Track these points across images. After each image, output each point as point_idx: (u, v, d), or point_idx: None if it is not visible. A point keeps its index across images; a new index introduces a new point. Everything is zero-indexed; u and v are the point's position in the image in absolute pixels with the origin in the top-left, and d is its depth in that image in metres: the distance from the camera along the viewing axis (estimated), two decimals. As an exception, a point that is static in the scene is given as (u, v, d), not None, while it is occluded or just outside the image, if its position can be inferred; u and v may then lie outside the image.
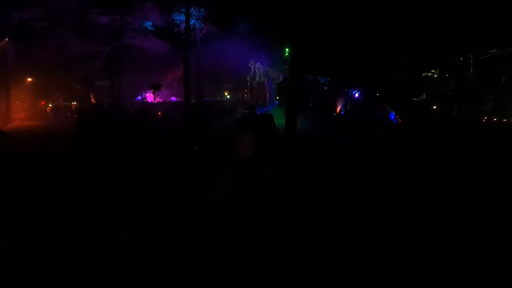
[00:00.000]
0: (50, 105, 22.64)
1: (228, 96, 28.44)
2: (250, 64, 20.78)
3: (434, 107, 16.71)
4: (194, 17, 14.79)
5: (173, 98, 27.40)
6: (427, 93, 17.08)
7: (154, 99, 18.74)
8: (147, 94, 28.01)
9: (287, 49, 19.03)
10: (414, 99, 17.22)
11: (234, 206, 4.61)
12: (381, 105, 15.96)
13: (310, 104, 17.13)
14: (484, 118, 14.79)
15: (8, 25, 14.29)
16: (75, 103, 23.46)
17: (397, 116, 14.97)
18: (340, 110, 17.27)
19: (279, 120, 14.41)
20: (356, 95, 17.88)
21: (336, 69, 17.40)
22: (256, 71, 20.89)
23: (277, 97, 20.15)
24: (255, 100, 20.24)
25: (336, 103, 17.21)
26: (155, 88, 9.56)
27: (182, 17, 15.28)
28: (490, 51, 14.58)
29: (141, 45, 18.07)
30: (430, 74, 16.75)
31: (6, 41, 17.22)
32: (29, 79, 22.67)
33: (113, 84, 18.65)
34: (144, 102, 25.05)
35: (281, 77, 19.72)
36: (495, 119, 14.62)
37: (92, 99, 23.12)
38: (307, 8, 10.09)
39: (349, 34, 14.35)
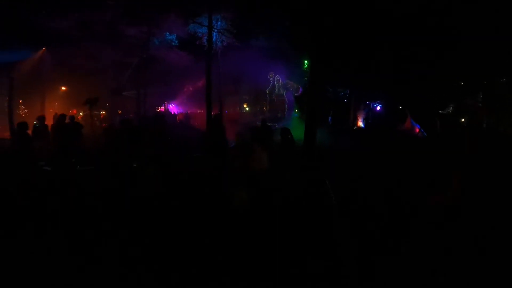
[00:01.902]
0: (81, 114, 23.68)
1: (247, 109, 28.76)
2: (270, 77, 20.96)
3: (463, 119, 15.93)
4: (215, 30, 15.21)
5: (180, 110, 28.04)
6: (454, 105, 16.36)
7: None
8: (170, 106, 28.99)
9: (306, 61, 19.04)
10: (440, 111, 16.52)
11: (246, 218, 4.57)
12: (405, 118, 15.42)
13: (330, 119, 16.86)
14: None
15: (45, 34, 14.82)
16: (103, 112, 24.55)
17: (422, 130, 14.38)
18: (361, 123, 16.85)
19: (298, 132, 14.33)
20: (378, 107, 17.41)
21: (357, 80, 17.16)
22: (276, 83, 21.02)
23: (296, 110, 20.07)
24: (274, 113, 20.32)
25: (356, 116, 16.84)
26: (91, 102, 9.08)
27: (204, 30, 15.77)
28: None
29: (165, 57, 18.59)
30: (456, 84, 16.05)
31: (43, 50, 17.98)
32: (63, 88, 23.86)
33: (139, 95, 19.29)
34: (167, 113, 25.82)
35: (300, 89, 19.68)
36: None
37: (119, 112, 24.15)
38: (327, 19, 10.06)
39: (371, 45, 14.15)
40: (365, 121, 16.60)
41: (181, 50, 18.12)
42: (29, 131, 7.74)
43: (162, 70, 20.17)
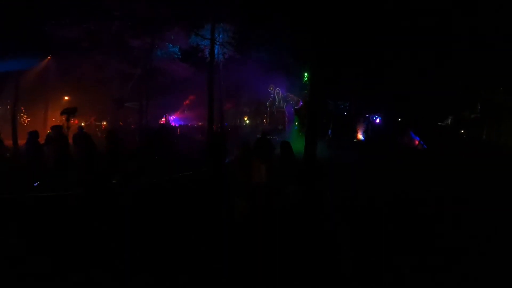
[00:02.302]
0: (82, 124, 23.91)
1: (247, 121, 28.90)
2: (270, 89, 21.12)
3: (462, 131, 16.00)
4: (217, 43, 15.47)
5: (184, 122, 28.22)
6: (453, 117, 16.47)
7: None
8: (171, 117, 29.20)
9: (306, 74, 19.21)
10: (440, 123, 16.62)
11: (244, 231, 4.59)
12: (405, 131, 15.52)
13: (330, 132, 16.93)
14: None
15: (51, 43, 14.89)
16: (104, 123, 24.65)
17: (422, 142, 14.44)
18: (361, 136, 16.92)
19: (298, 146, 14.37)
20: (377, 120, 17.52)
21: (357, 93, 17.33)
22: (276, 96, 21.18)
23: (296, 123, 20.17)
24: (274, 126, 20.40)
25: (356, 128, 16.93)
26: (69, 112, 8.79)
27: (207, 42, 15.92)
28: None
29: (167, 68, 18.77)
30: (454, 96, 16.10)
31: (48, 59, 18.25)
32: (66, 98, 23.77)
33: (141, 106, 19.39)
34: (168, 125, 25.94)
35: (300, 102, 19.84)
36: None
37: (120, 123, 24.29)
38: (328, 31, 10.23)
39: (371, 57, 14.36)
40: (364, 133, 16.68)
41: (183, 62, 18.25)
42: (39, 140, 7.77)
43: (165, 81, 20.40)
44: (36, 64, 17.62)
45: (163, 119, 27.80)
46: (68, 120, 8.90)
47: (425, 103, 14.93)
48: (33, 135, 7.48)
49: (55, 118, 24.01)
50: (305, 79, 19.50)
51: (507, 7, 10.78)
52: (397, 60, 14.11)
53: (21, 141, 13.68)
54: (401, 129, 15.98)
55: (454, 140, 14.35)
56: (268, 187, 5.46)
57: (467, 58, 13.08)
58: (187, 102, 29.10)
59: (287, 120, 20.64)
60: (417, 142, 14.68)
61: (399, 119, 17.19)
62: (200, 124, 25.65)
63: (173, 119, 29.92)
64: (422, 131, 14.75)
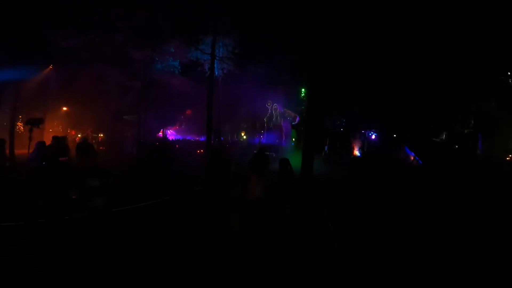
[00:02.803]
0: (79, 136, 23.44)
1: (244, 137, 29.03)
2: (267, 105, 21.36)
3: (456, 146, 16.17)
4: (217, 58, 15.73)
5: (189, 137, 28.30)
6: (447, 133, 16.70)
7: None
8: (168, 131, 29.21)
9: (303, 90, 19.48)
10: (434, 139, 16.82)
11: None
12: (400, 147, 15.72)
13: (326, 148, 17.09)
14: (508, 156, 14.05)
15: (53, 52, 14.88)
16: (101, 135, 24.50)
17: (417, 158, 14.61)
18: (357, 152, 17.10)
19: (295, 161, 14.44)
20: (373, 136, 17.77)
21: (353, 109, 17.58)
22: (273, 112, 21.39)
23: (293, 139, 20.32)
24: (271, 141, 20.53)
25: (352, 145, 17.12)
26: (33, 123, 8.83)
27: (207, 57, 15.99)
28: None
29: (167, 82, 18.85)
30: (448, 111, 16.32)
31: (50, 68, 18.01)
32: (65, 108, 23.65)
33: (139, 119, 19.43)
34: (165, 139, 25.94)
35: (297, 118, 20.04)
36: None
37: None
38: (324, 50, 10.51)
39: (367, 75, 14.67)
40: (361, 150, 16.86)
41: (182, 76, 18.45)
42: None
43: (163, 95, 20.42)
44: (37, 73, 17.57)
45: (160, 133, 27.85)
46: (31, 130, 8.87)
47: (419, 119, 15.21)
48: (42, 144, 7.57)
49: (51, 129, 23.85)
50: (302, 95, 19.73)
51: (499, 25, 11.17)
52: (392, 77, 14.39)
53: (18, 150, 13.57)
54: (396, 145, 16.19)
55: (448, 155, 14.53)
56: (264, 206, 5.49)
57: (459, 74, 13.31)
58: (184, 115, 29.25)
59: (284, 136, 20.78)
60: (412, 158, 14.86)
61: (394, 135, 17.42)
62: (197, 139, 25.72)
63: (170, 133, 29.95)
64: (417, 146, 14.96)
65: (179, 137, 28.69)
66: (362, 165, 14.83)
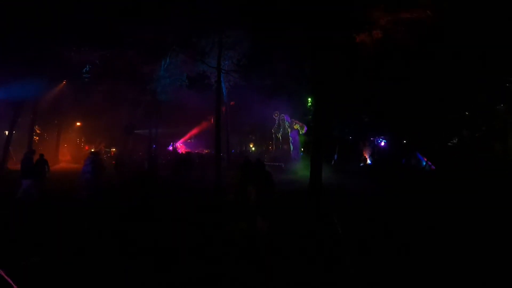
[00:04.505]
0: (92, 150, 24.39)
1: (253, 148, 29.03)
2: (275, 116, 21.34)
3: (470, 149, 15.68)
4: (223, 71, 15.95)
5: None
6: (459, 137, 16.27)
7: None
8: (177, 145, 29.59)
9: (310, 99, 19.49)
10: (449, 143, 16.41)
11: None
12: (411, 152, 15.41)
13: (336, 157, 16.91)
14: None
15: (66, 68, 15.59)
16: (114, 149, 25.08)
17: (429, 163, 14.27)
18: (366, 160, 16.81)
19: (305, 172, 14.35)
20: (382, 143, 17.46)
21: (361, 116, 17.40)
22: (281, 122, 21.36)
23: (302, 149, 20.19)
24: (280, 152, 20.43)
25: (362, 152, 16.88)
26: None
27: (213, 70, 16.26)
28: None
29: (175, 95, 19.17)
30: (456, 116, 15.95)
31: (64, 84, 18.77)
32: (78, 124, 24.68)
33: (150, 133, 19.91)
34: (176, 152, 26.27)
35: (305, 128, 19.98)
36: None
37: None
38: (329, 58, 10.51)
39: (374, 80, 14.54)
40: (371, 157, 16.56)
41: (189, 89, 18.63)
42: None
43: (172, 108, 20.85)
44: (51, 89, 18.31)
45: (170, 147, 28.27)
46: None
47: (429, 124, 14.92)
48: (96, 154, 9.27)
49: (66, 144, 24.50)
50: (309, 104, 19.73)
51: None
52: (399, 82, 14.20)
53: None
54: (408, 150, 15.88)
55: (461, 159, 14.14)
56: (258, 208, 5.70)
57: (467, 76, 13.05)
58: (194, 130, 29.66)
59: (292, 147, 20.68)
60: (424, 164, 14.53)
61: (404, 141, 17.11)
62: (206, 151, 25.91)
63: (180, 146, 30.33)
64: (429, 152, 14.62)
65: (188, 150, 29.02)
66: (372, 173, 14.57)
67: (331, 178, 12.70)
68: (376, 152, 16.79)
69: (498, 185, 9.58)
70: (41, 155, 9.06)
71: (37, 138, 20.95)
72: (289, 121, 21.25)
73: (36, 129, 20.41)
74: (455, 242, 5.17)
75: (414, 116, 14.83)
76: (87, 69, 15.62)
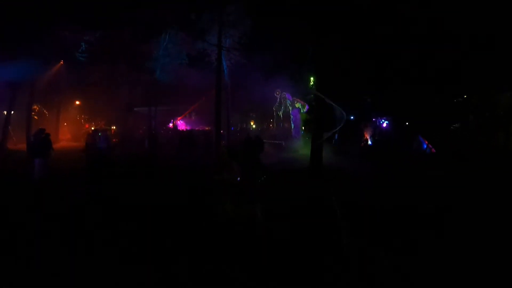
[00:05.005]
0: (92, 129, 24.44)
1: (253, 126, 28.93)
2: (276, 94, 21.02)
3: (471, 135, 15.70)
4: (224, 48, 15.60)
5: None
6: (461, 122, 16.19)
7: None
8: (178, 122, 29.46)
9: (312, 78, 19.14)
10: (451, 127, 16.34)
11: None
12: (413, 135, 15.35)
13: (336, 137, 16.84)
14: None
15: (63, 48, 15.46)
16: (114, 127, 25.12)
17: (430, 146, 14.25)
18: (367, 140, 16.75)
19: (305, 150, 14.39)
20: (384, 124, 17.32)
21: (364, 97, 17.16)
22: (282, 100, 21.10)
23: (303, 128, 20.10)
24: (281, 130, 20.35)
25: (363, 133, 16.78)
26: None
27: (214, 48, 15.71)
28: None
29: (174, 73, 19.05)
30: (461, 99, 15.81)
31: (61, 64, 18.68)
32: (77, 102, 24.69)
33: (150, 111, 20.06)
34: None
35: (306, 107, 19.78)
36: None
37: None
38: (331, 34, 10.17)
39: (378, 61, 14.21)
40: (372, 138, 16.49)
41: (190, 67, 18.42)
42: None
43: (171, 86, 20.61)
44: (49, 69, 18.17)
45: (170, 124, 28.17)
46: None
47: (432, 107, 14.76)
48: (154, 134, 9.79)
49: (66, 122, 24.47)
50: (311, 83, 19.40)
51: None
52: (405, 62, 13.91)
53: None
54: (409, 133, 15.81)
55: (462, 144, 14.12)
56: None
57: (473, 60, 12.84)
58: (194, 107, 29.37)
59: (293, 125, 20.57)
60: (425, 147, 14.51)
61: (407, 123, 16.99)
62: (207, 128, 25.83)
63: (180, 123, 30.21)
64: (431, 135, 14.56)
65: (188, 127, 28.92)
66: (373, 154, 14.59)
67: (331, 158, 12.75)
68: (378, 133, 16.71)
69: (496, 174, 9.61)
70: (47, 134, 9.01)
71: (37, 117, 20.90)
72: (291, 99, 20.96)
73: (35, 108, 20.44)
74: (448, 234, 5.18)
75: (417, 98, 14.62)
76: (83, 48, 15.26)
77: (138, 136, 22.05)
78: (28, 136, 14.88)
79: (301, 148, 17.19)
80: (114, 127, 25.48)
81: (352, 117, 18.56)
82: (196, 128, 26.70)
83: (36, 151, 8.32)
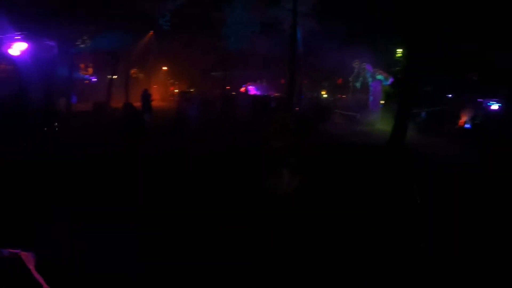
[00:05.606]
0: (176, 91, 29.01)
1: (325, 95, 27.63)
2: (355, 64, 19.50)
3: None
4: (299, 15, 15.01)
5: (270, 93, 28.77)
6: None
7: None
8: (250, 87, 30.19)
9: (398, 50, 16.94)
10: None
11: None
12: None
13: (424, 114, 14.68)
14: None
15: (153, 19, 18.08)
16: (192, 90, 27.81)
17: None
18: (465, 123, 14.04)
19: (384, 126, 13.03)
20: (493, 107, 14.03)
21: (466, 71, 14.39)
22: (361, 71, 19.49)
23: (382, 102, 18.21)
24: (357, 102, 18.96)
25: (460, 114, 14.09)
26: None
27: (287, 14, 15.39)
28: None
29: (247, 41, 19.53)
30: None
31: (151, 34, 21.76)
32: (164, 68, 28.92)
33: (225, 75, 22.72)
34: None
35: (390, 79, 17.71)
36: None
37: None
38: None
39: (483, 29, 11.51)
40: (471, 121, 13.72)
41: (262, 34, 18.65)
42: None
43: (244, 53, 21.45)
44: (142, 38, 21.81)
45: (242, 88, 29.14)
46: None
47: None
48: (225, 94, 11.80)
49: (156, 85, 28.98)
50: (397, 55, 17.31)
51: None
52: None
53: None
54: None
55: None
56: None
57: None
58: (265, 72, 29.47)
59: (371, 97, 18.83)
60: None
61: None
62: (276, 94, 25.77)
63: (251, 88, 30.92)
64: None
65: (259, 92, 29.34)
66: (469, 138, 12.30)
67: (414, 138, 11.29)
68: (481, 115, 13.84)
69: None
70: (145, 90, 12.98)
71: (135, 80, 25.29)
72: (372, 70, 19.05)
73: (133, 73, 24.69)
74: None
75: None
76: (168, 18, 17.55)
77: (213, 98, 23.61)
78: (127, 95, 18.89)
79: (378, 122, 15.89)
80: (193, 90, 27.91)
81: (449, 95, 15.82)
82: (269, 94, 26.91)
83: (145, 108, 12.09)
